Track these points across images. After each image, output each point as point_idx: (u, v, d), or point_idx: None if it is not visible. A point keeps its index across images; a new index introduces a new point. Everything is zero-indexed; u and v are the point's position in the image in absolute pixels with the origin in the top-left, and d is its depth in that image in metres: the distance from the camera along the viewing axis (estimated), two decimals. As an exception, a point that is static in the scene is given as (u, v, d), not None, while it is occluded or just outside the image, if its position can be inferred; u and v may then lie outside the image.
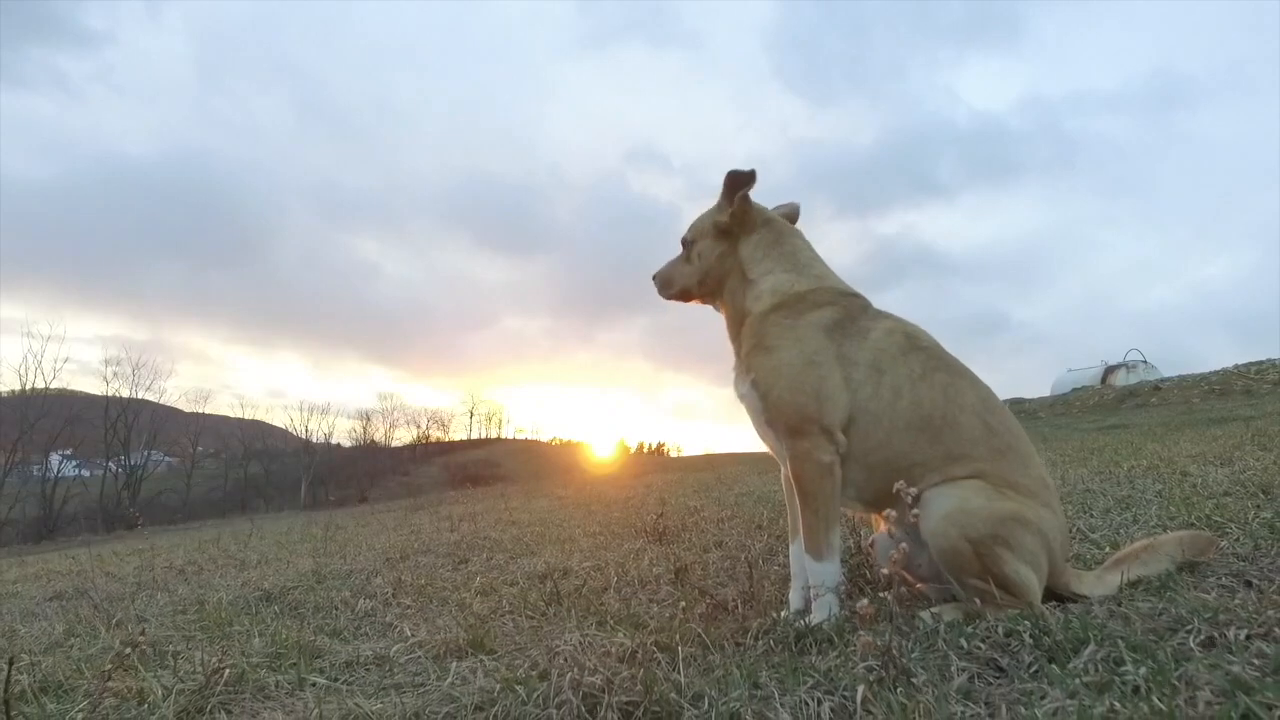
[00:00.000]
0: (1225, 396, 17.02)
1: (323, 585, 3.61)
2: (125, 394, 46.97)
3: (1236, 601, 1.61)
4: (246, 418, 58.34)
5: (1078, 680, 1.29)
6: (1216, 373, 20.53)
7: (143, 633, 2.04)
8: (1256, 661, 1.25)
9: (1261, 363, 20.08)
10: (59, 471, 43.38)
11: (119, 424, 45.87)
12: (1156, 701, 1.14)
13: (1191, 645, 1.40)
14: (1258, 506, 2.67)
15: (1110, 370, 28.04)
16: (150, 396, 49.23)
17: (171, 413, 53.63)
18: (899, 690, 1.34)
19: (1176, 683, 1.21)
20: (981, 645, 1.58)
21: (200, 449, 54.65)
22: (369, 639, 2.29)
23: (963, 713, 1.25)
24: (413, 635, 2.16)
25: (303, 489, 48.81)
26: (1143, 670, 1.27)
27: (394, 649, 2.02)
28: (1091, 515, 3.04)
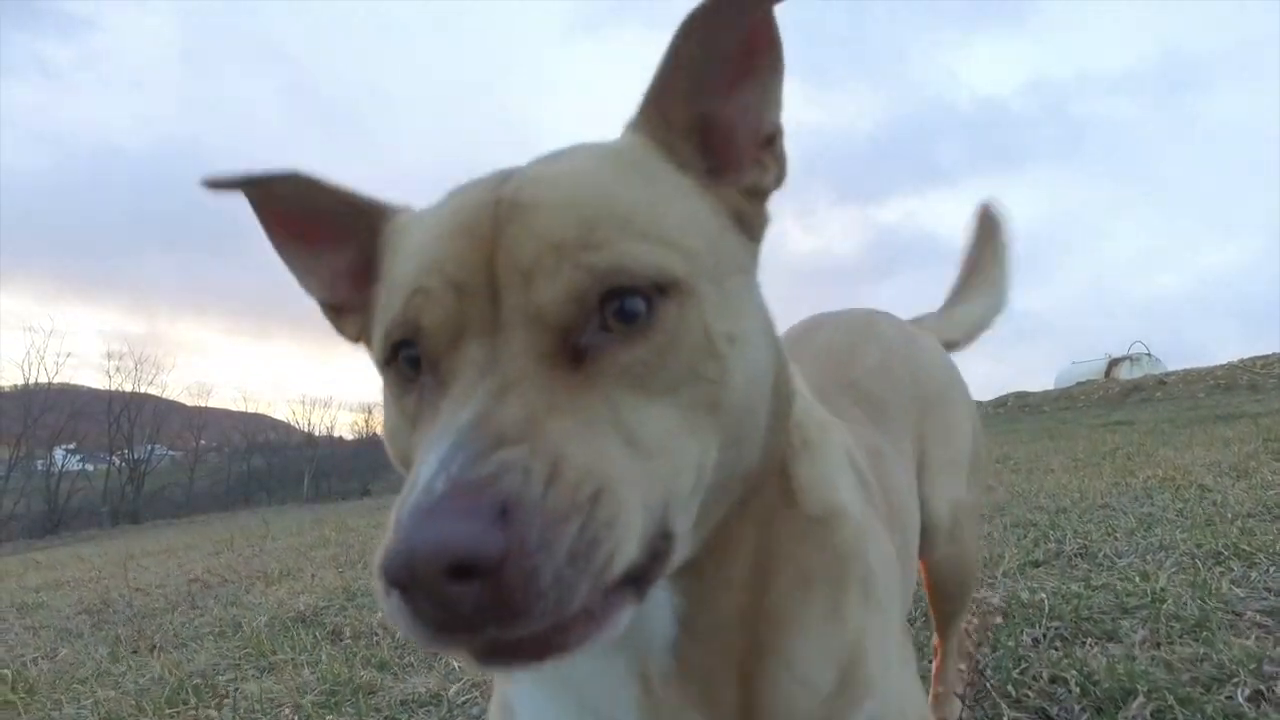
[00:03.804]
0: (1231, 391, 17.03)
1: (354, 604, 3.66)
2: (128, 388, 47.07)
3: (1277, 645, 1.66)
4: (249, 411, 58.38)
5: (1133, 739, 1.34)
6: (1222, 366, 20.55)
7: (217, 695, 2.08)
8: (1307, 724, 1.30)
9: (1268, 356, 20.08)
10: (63, 466, 43.53)
11: (122, 419, 45.98)
12: (1217, 770, 1.20)
13: (1239, 700, 1.45)
14: (1282, 533, 2.71)
15: (1114, 363, 28.05)
16: (153, 391, 49.34)
17: (174, 407, 53.73)
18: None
19: (1232, 747, 1.26)
20: (1029, 693, 1.63)
21: (203, 443, 54.76)
22: (417, 672, 2.35)
23: (1028, 778, 1.30)
24: (463, 672, 2.21)
25: (305, 483, 48.89)
26: (1196, 731, 1.32)
27: (452, 690, 2.08)
28: (1115, 538, 3.08)
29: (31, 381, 43.86)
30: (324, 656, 2.61)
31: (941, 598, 1.45)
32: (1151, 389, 19.33)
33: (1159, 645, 1.82)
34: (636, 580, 0.51)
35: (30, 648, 3.47)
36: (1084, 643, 1.91)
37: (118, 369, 46.19)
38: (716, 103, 0.65)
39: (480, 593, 0.43)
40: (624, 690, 0.67)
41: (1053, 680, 1.67)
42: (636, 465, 0.51)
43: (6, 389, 44.43)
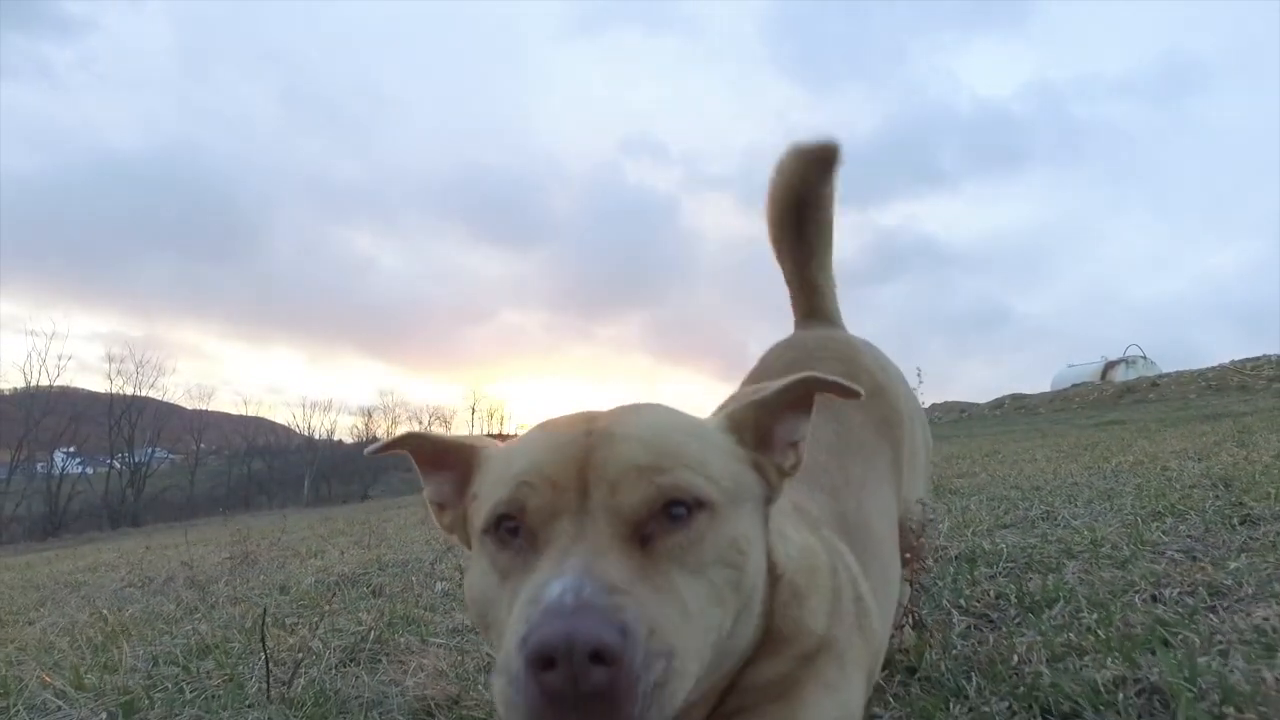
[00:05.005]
0: (1221, 392, 17.38)
1: (387, 572, 4.02)
2: (128, 392, 47.32)
3: (1179, 570, 2.03)
4: (249, 414, 58.68)
5: (1048, 625, 1.71)
6: (1213, 369, 20.89)
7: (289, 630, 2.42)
8: (1179, 609, 1.67)
9: (1258, 358, 20.42)
10: (64, 469, 43.74)
11: (123, 421, 46.21)
12: (1101, 633, 1.56)
13: (1137, 602, 1.82)
14: (1216, 496, 3.07)
15: (1110, 366, 28.38)
16: (154, 394, 49.61)
17: (174, 409, 53.97)
18: (915, 633, 1.75)
19: (1119, 624, 1.63)
20: (977, 604, 2.00)
21: (203, 446, 54.98)
22: (459, 612, 2.71)
23: (961, 644, 1.67)
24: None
25: (305, 486, 49.10)
26: (1095, 616, 1.69)
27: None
28: (1075, 505, 3.45)
29: (32, 384, 44.16)
30: (372, 607, 2.97)
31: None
32: (1144, 391, 19.69)
33: (1088, 573, 2.18)
34: None
35: (100, 607, 3.83)
36: (1031, 576, 2.28)
37: (118, 372, 46.54)
38: (776, 421, 1.00)
39: (604, 678, 0.66)
40: None
41: (997, 596, 2.04)
42: (686, 627, 0.76)
43: (7, 392, 44.76)
